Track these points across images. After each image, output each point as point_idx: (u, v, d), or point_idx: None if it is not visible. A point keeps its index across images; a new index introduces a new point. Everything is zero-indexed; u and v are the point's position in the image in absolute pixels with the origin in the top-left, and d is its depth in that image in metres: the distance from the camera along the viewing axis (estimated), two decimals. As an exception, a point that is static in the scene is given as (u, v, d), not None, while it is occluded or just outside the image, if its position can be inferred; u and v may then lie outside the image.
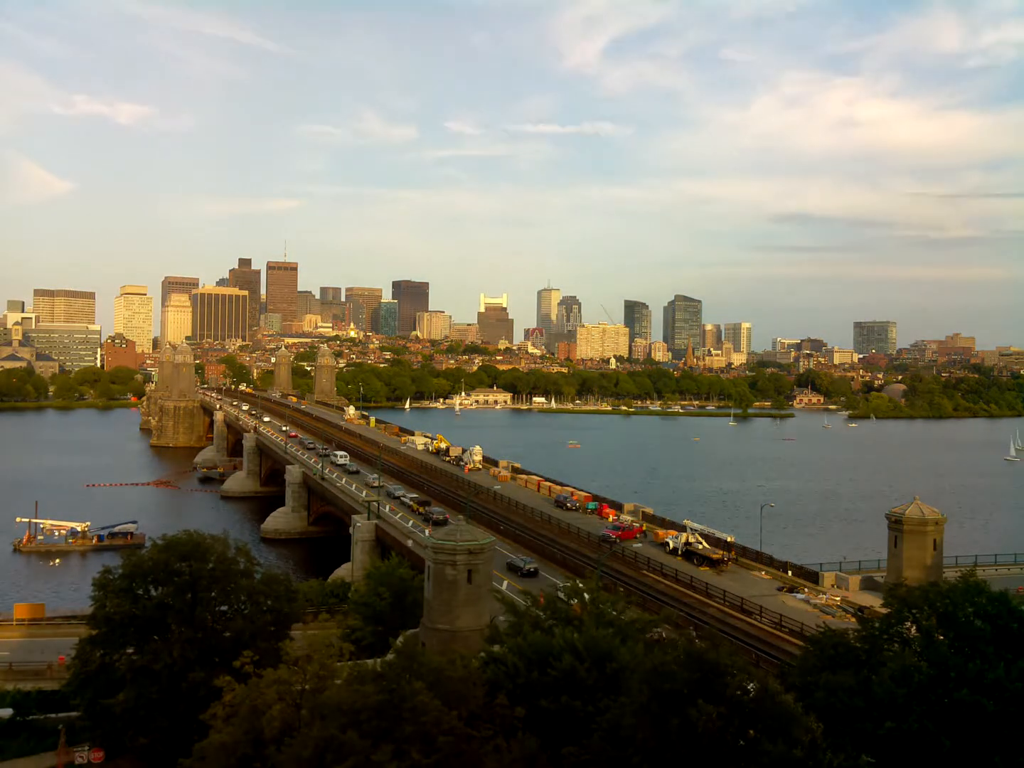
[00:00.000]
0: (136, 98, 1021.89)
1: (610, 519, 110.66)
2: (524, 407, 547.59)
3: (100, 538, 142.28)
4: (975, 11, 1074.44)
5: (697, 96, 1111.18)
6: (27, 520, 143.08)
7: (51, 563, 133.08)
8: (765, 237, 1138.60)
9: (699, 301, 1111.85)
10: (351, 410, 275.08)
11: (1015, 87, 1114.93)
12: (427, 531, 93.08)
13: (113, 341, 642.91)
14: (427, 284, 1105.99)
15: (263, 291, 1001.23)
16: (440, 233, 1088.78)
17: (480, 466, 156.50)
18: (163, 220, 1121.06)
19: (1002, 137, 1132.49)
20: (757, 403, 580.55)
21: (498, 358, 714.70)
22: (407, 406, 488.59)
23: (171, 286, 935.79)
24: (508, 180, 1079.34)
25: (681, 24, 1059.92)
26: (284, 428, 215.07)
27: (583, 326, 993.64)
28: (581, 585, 56.59)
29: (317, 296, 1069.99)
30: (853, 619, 63.62)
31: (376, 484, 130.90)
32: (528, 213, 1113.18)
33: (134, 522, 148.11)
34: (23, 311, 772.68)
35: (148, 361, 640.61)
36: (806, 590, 79.66)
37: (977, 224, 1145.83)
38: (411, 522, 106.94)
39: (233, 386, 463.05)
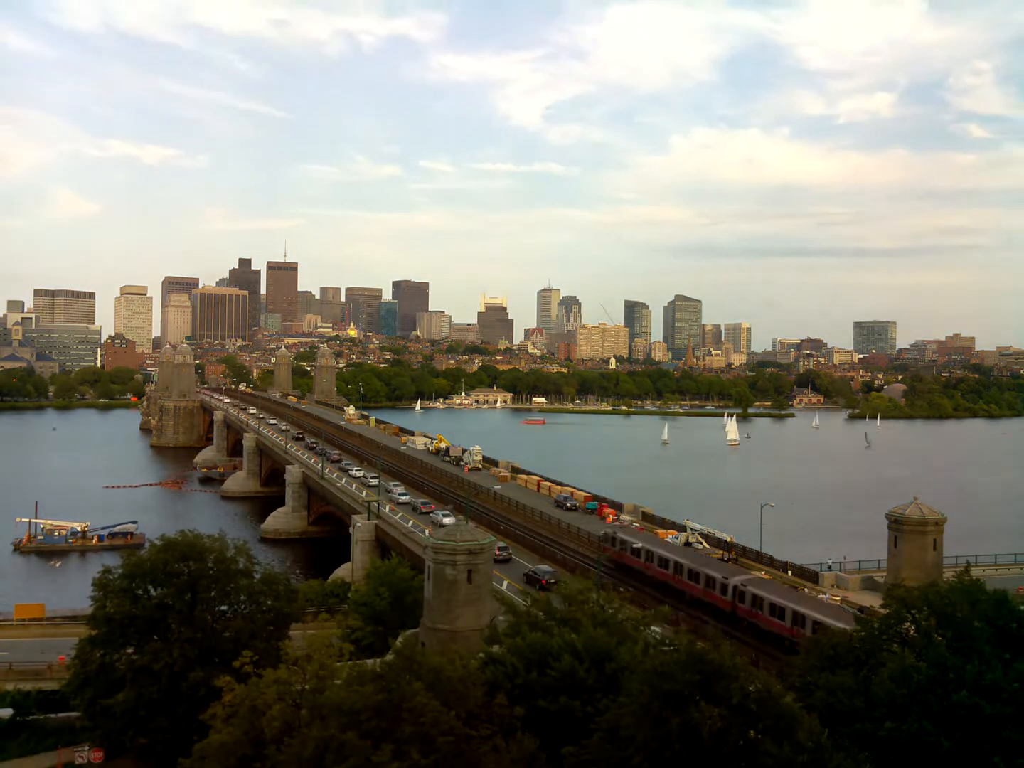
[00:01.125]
0: (162, 143, 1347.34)
1: (609, 519, 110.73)
2: (524, 407, 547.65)
3: (100, 538, 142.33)
4: (825, 90, 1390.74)
5: (624, 146, 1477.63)
6: (27, 520, 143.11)
7: (51, 563, 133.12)
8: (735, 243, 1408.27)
9: (699, 301, 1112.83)
10: (351, 410, 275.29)
11: (885, 136, 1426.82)
12: (427, 531, 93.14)
13: (113, 341, 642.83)
14: (427, 284, 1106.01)
15: (263, 291, 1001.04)
16: (423, 244, 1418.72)
17: (480, 466, 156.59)
18: (169, 229, 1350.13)
19: (891, 171, 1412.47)
20: (757, 403, 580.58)
21: (498, 358, 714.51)
22: (418, 406, 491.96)
23: (171, 286, 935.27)
24: (476, 206, 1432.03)
25: (596, 98, 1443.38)
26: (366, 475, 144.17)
27: (583, 326, 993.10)
28: (579, 585, 56.53)
29: (317, 296, 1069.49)
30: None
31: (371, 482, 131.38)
32: (496, 230, 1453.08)
33: (134, 522, 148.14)
34: (23, 311, 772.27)
35: (148, 361, 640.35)
36: (806, 590, 79.68)
37: (892, 237, 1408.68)
38: (411, 522, 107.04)
39: (233, 386, 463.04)
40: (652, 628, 52.84)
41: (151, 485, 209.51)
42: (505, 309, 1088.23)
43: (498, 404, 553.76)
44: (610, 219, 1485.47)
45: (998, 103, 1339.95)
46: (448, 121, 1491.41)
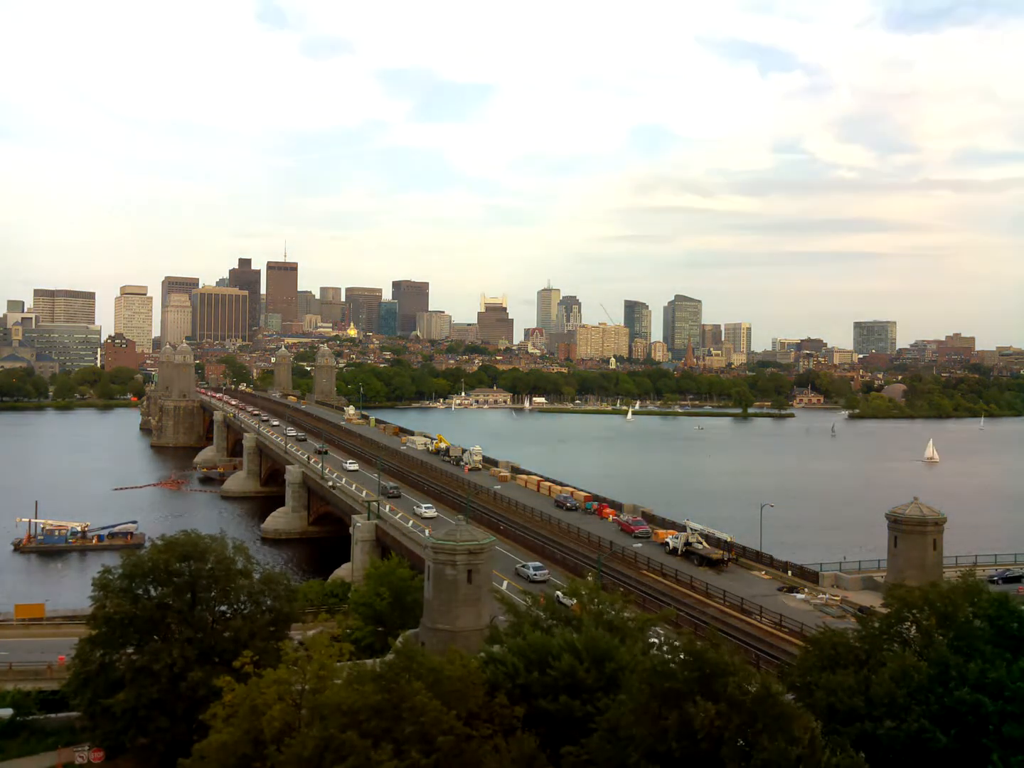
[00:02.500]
0: (181, 179, 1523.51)
1: (610, 519, 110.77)
2: (524, 407, 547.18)
3: (100, 538, 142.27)
4: (712, 149, 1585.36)
5: (567, 188, 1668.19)
6: (27, 520, 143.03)
7: (51, 563, 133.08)
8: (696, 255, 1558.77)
9: (699, 301, 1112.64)
10: (351, 410, 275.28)
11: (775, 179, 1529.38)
12: (427, 531, 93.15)
13: (113, 341, 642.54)
14: (427, 284, 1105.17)
15: (263, 291, 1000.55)
16: (415, 252, 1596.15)
17: (480, 466, 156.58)
18: (171, 231, 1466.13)
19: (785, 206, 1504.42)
20: (757, 403, 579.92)
21: (498, 358, 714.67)
22: (454, 403, 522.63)
23: (171, 286, 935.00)
24: (452, 227, 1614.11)
25: (540, 155, 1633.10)
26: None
27: (583, 326, 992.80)
28: (580, 585, 56.47)
29: (317, 296, 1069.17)
30: (853, 619, 63.62)
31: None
32: (477, 245, 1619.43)
33: (134, 522, 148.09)
34: (23, 311, 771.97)
35: (148, 361, 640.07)
36: (806, 590, 79.69)
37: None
38: (411, 522, 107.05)
39: (233, 386, 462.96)
40: (656, 629, 52.84)
41: (157, 485, 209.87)
42: (505, 309, 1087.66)
43: (498, 404, 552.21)
44: (575, 235, 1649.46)
45: (853, 156, 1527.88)
46: (418, 169, 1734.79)
